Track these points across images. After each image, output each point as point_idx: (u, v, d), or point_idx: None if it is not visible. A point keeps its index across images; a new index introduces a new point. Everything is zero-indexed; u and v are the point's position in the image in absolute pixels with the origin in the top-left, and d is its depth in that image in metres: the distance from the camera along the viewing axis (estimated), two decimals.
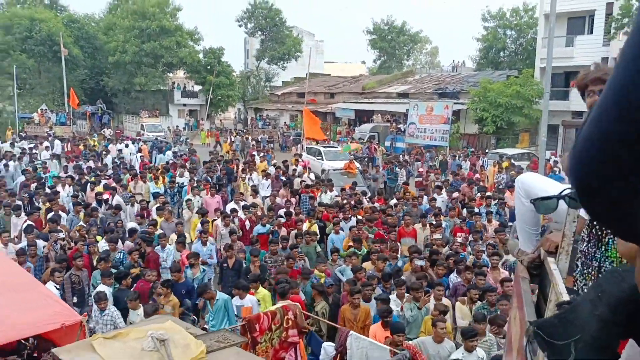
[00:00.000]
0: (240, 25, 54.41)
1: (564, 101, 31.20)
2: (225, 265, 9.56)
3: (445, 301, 7.77)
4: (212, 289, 7.92)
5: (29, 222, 11.15)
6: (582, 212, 2.63)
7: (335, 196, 15.36)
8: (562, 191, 2.52)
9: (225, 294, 7.89)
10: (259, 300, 7.75)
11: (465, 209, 13.52)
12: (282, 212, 12.89)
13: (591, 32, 31.55)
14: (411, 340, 6.53)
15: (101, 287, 8.02)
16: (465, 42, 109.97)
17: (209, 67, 47.66)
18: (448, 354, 6.21)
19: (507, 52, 48.89)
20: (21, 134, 33.84)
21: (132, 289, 8.19)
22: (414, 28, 70.24)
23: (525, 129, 31.85)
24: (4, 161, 19.82)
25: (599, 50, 30.24)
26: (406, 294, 7.75)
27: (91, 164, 20.66)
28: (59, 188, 14.75)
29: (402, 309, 7.52)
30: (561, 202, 2.72)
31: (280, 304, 6.53)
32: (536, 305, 2.90)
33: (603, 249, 2.32)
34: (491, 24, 48.56)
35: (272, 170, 19.48)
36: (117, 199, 13.52)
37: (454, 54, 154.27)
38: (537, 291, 3.12)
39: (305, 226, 11.66)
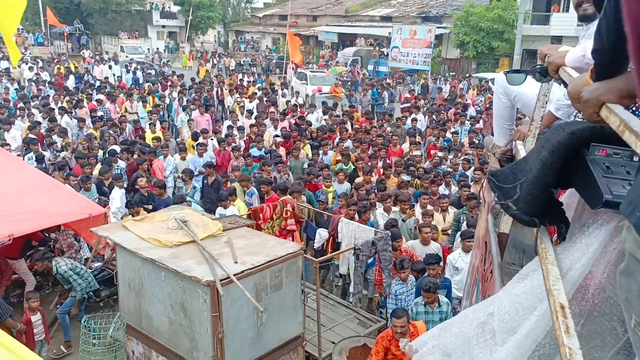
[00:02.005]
0: None
1: (545, 26, 31.56)
2: (205, 182, 10.08)
3: (430, 208, 8.33)
4: (188, 200, 8.45)
5: (31, 135, 11.72)
6: (551, 107, 2.87)
7: (322, 118, 15.97)
8: (533, 67, 2.56)
9: (204, 209, 8.48)
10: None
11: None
12: (278, 132, 13.36)
13: None
14: None
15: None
16: None
17: None
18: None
19: None
20: None
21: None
22: None
23: (506, 54, 32.36)
24: None
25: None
26: (393, 207, 8.18)
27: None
28: (52, 105, 15.16)
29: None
30: (530, 96, 2.96)
31: (280, 198, 7.46)
32: None
33: None
34: None
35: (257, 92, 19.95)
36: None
37: None
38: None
39: (301, 146, 11.97)
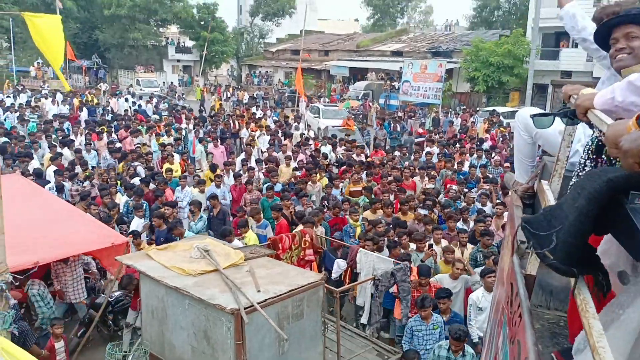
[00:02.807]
0: None
1: (554, 61, 31.98)
2: (211, 213, 10.17)
3: (444, 242, 8.27)
4: (181, 227, 8.44)
5: (53, 166, 12.00)
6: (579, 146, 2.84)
7: (331, 151, 16.07)
8: (561, 109, 2.50)
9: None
10: (246, 244, 8.19)
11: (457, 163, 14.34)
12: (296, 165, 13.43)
13: None
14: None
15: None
16: (461, 1, 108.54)
17: (202, 23, 47.56)
18: (460, 288, 7.08)
19: (501, 11, 49.13)
20: (17, 87, 34.08)
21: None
22: None
23: (516, 88, 32.69)
24: (7, 113, 20.48)
25: (590, 10, 30.67)
26: (410, 244, 8.02)
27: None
28: (72, 137, 15.53)
29: (422, 261, 7.63)
30: (552, 133, 2.96)
31: (299, 228, 7.57)
32: None
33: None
34: None
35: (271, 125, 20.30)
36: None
37: (448, 13, 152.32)
38: None
39: (317, 179, 12.05)
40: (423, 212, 9.76)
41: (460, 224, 9.22)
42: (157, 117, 22.39)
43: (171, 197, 10.66)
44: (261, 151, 15.72)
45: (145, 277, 5.55)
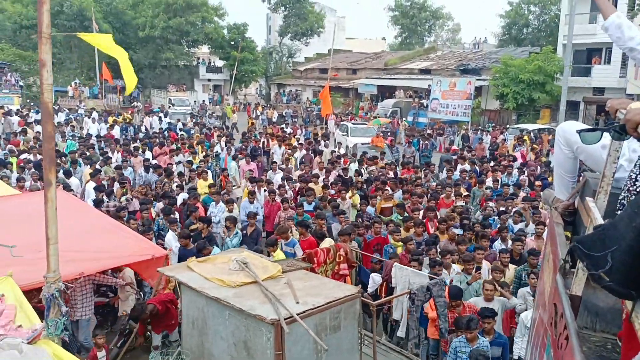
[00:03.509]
0: (263, 1, 55.06)
1: (586, 77, 31.59)
2: (245, 232, 10.29)
3: (485, 263, 7.98)
4: (210, 247, 8.33)
5: (92, 182, 12.40)
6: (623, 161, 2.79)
7: (361, 166, 16.11)
8: (608, 124, 2.42)
9: None
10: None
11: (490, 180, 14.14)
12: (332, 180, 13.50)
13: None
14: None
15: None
16: (488, 19, 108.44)
17: (232, 43, 48.70)
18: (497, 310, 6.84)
19: (530, 28, 48.87)
20: (54, 106, 35.25)
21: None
22: (436, 4, 70.23)
23: (546, 105, 32.33)
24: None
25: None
26: (452, 265, 7.89)
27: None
28: (110, 154, 16.02)
29: (451, 282, 7.50)
30: (596, 147, 2.84)
31: (323, 244, 7.65)
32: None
33: None
34: (515, 0, 48.49)
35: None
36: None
37: (476, 30, 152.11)
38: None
39: (347, 196, 12.09)
40: (457, 231, 9.51)
41: (498, 244, 9.04)
42: (184, 134, 22.96)
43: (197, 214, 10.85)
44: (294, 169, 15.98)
45: (186, 288, 5.69)
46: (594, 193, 2.69)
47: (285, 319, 4.71)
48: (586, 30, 30.49)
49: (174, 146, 17.73)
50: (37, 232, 6.80)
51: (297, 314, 4.82)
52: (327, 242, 8.23)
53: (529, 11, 48.21)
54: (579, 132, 2.71)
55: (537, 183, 13.63)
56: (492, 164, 16.23)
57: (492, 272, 7.42)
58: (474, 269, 7.62)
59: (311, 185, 12.94)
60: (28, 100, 38.04)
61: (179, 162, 15.68)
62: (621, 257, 1.49)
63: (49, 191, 4.30)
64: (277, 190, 12.10)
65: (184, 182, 13.50)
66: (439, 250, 8.31)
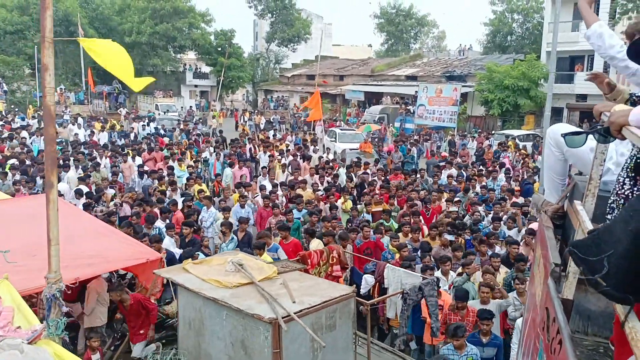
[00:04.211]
0: (250, 7, 55.26)
1: (569, 84, 32.17)
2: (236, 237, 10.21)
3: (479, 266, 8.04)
4: (196, 253, 8.39)
5: (82, 186, 12.39)
6: (610, 164, 2.80)
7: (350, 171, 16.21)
8: (593, 127, 2.42)
9: None
10: None
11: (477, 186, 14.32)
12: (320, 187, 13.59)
13: None
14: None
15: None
16: (473, 26, 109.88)
17: (219, 49, 48.75)
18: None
19: (514, 36, 49.63)
20: (39, 112, 34.99)
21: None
22: (421, 12, 70.99)
23: (531, 111, 32.86)
24: (33, 137, 21.13)
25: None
26: (450, 271, 7.98)
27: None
28: (99, 160, 15.99)
29: (450, 286, 7.61)
30: (584, 150, 2.87)
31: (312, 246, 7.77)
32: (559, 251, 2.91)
33: None
34: (499, 8, 49.25)
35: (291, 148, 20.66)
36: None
37: (462, 38, 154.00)
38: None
39: (339, 202, 12.17)
40: (449, 237, 9.49)
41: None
42: (167, 138, 23.04)
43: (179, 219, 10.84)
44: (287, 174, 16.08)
45: (183, 290, 5.77)
46: (583, 196, 2.70)
47: (282, 318, 4.82)
48: (569, 38, 31.08)
49: (163, 152, 17.74)
50: (30, 235, 6.86)
51: (294, 313, 4.93)
52: (316, 243, 8.40)
53: (513, 19, 48.99)
54: (564, 135, 2.76)
55: (516, 188, 13.75)
56: (482, 169, 16.49)
57: (484, 275, 7.55)
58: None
59: (299, 191, 12.99)
60: (12, 106, 37.71)
61: (172, 167, 15.68)
62: (617, 262, 1.48)
63: (50, 193, 4.36)
64: (269, 195, 12.21)
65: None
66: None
